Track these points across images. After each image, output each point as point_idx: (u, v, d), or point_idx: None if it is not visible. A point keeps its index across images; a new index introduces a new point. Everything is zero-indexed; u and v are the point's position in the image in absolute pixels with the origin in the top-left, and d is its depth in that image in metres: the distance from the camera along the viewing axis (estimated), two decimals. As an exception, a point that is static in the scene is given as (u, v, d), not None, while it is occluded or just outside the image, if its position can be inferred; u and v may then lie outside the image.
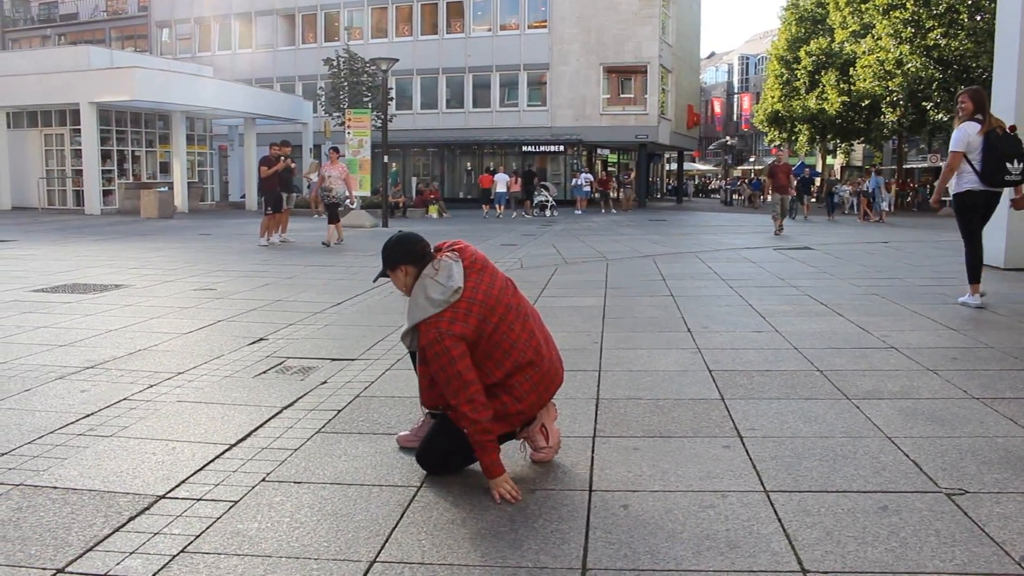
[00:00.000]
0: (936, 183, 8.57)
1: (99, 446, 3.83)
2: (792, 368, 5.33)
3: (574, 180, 34.71)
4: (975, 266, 7.83)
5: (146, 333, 6.64)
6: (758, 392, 4.77)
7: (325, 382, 5.06)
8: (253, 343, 6.26)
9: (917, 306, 7.81)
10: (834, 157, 53.42)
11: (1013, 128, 7.56)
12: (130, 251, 14.42)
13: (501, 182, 31.07)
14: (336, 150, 17.73)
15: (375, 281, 3.77)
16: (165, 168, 33.83)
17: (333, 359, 5.70)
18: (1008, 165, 7.28)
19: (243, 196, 37.87)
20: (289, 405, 4.55)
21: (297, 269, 11.65)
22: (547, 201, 31.69)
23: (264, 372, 5.32)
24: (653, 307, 7.90)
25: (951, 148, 7.68)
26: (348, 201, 17.24)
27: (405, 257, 3.47)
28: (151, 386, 4.94)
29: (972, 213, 7.75)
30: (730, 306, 7.95)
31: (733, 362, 5.54)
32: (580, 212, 32.87)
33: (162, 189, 29.03)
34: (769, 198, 24.02)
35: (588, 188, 34.94)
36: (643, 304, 8.12)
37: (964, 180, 7.60)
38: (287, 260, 13.00)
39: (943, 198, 8.22)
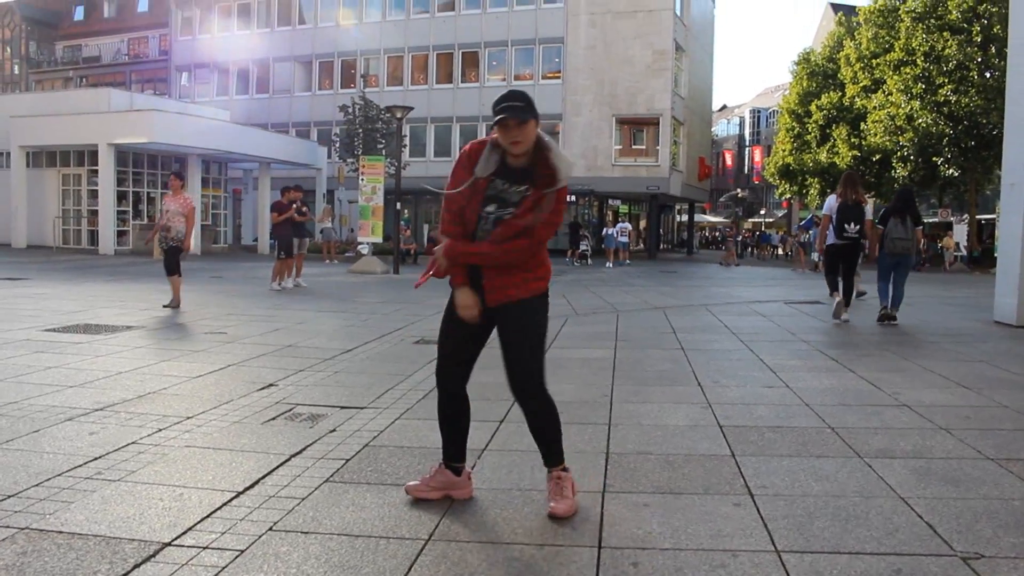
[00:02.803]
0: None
1: (106, 490, 3.82)
2: (803, 425, 5.30)
3: (606, 230, 32.68)
4: (834, 284, 11.14)
5: (156, 376, 6.65)
6: (769, 449, 4.74)
7: (334, 430, 5.04)
8: (263, 389, 6.26)
9: (928, 362, 7.76)
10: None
11: (861, 200, 11.00)
12: (142, 292, 14.51)
13: None
14: (179, 176, 13.06)
15: (497, 114, 3.45)
16: (180, 210, 34.10)
17: (343, 407, 5.68)
18: (846, 226, 10.70)
19: (255, 239, 38.15)
20: (298, 453, 4.53)
21: (308, 314, 11.67)
22: (588, 251, 32.04)
23: (273, 419, 5.31)
24: (664, 360, 7.88)
25: (823, 212, 11.52)
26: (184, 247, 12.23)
27: (536, 115, 3.55)
28: (160, 430, 4.93)
29: (832, 258, 11.19)
30: (741, 360, 7.92)
31: (744, 418, 5.50)
32: (611, 266, 30.04)
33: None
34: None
35: (625, 239, 32.93)
36: (654, 357, 8.10)
37: (829, 235, 11.15)
38: (298, 305, 13.03)
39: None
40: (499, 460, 4.52)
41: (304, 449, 4.61)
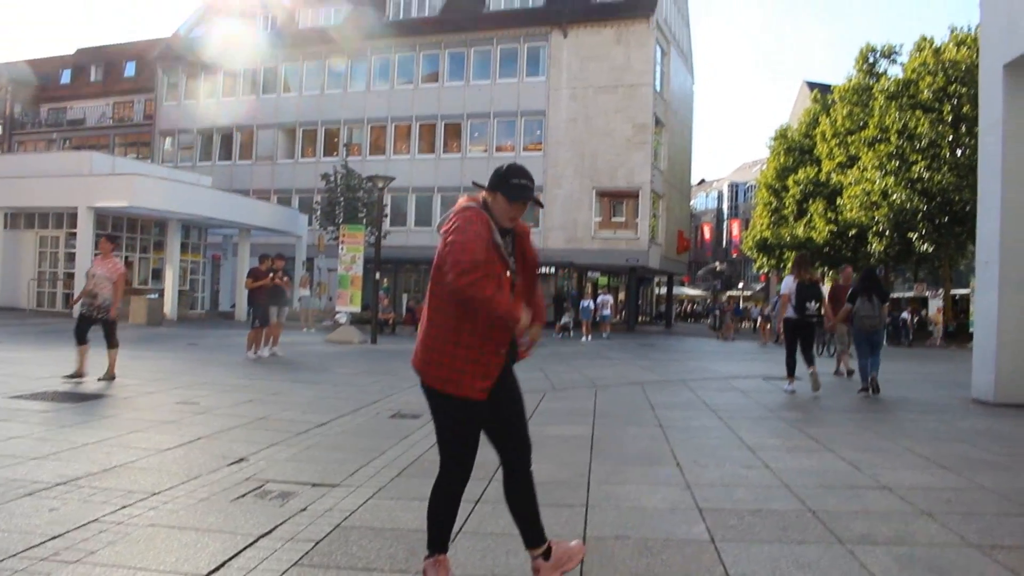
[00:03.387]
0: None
1: (62, 573, 3.67)
2: (784, 508, 5.21)
3: (584, 302, 30.87)
4: (791, 365, 12.06)
5: (123, 448, 6.49)
6: (749, 534, 4.64)
7: (305, 509, 4.91)
8: (233, 463, 6.11)
9: (908, 442, 7.72)
10: (821, 284, 53.91)
11: (816, 280, 12.39)
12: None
13: None
14: (110, 239, 11.97)
15: (516, 194, 3.65)
16: (157, 274, 33.97)
17: (314, 484, 5.55)
18: (807, 304, 11.83)
19: (233, 306, 37.93)
20: (266, 534, 4.39)
21: (283, 385, 11.52)
22: (570, 323, 31.87)
23: (242, 496, 5.17)
24: (642, 438, 7.79)
25: (780, 292, 12.75)
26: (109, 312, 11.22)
27: None
28: (124, 507, 4.78)
29: (792, 333, 12.09)
30: (720, 439, 7.85)
31: (723, 500, 5.41)
32: (587, 339, 28.70)
33: (152, 296, 29.05)
34: (830, 327, 14.85)
35: (608, 312, 32.01)
36: (632, 435, 8.01)
37: (788, 311, 12.07)
38: (273, 375, 12.87)
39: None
40: (474, 544, 4.39)
41: (273, 530, 4.47)
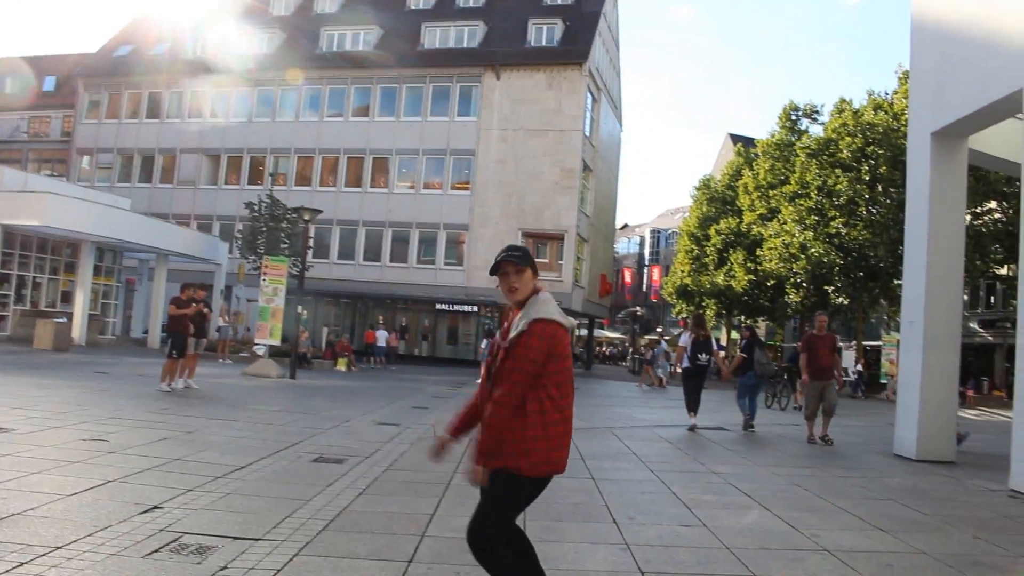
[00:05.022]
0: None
1: (-48, 645, 3.28)
2: (727, 572, 5.07)
3: (485, 341, 30.05)
4: (690, 404, 14.24)
5: (24, 492, 5.99)
6: (695, 603, 4.47)
7: (225, 567, 4.57)
8: (146, 511, 5.69)
9: (842, 501, 7.70)
10: (739, 332, 55.01)
11: (708, 336, 14.78)
12: (16, 387, 13.51)
13: (381, 337, 35.57)
14: None
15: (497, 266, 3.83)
16: (67, 297, 32.67)
17: (235, 537, 5.19)
18: (699, 356, 14.19)
19: (146, 332, 36.71)
20: (182, 598, 4.04)
21: (199, 422, 10.98)
22: None
23: (156, 551, 4.78)
24: (575, 492, 7.57)
25: (679, 345, 15.38)
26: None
27: (534, 266, 3.83)
28: (20, 564, 4.36)
29: (687, 379, 14.43)
30: (654, 493, 7.70)
31: (665, 562, 5.24)
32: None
33: (60, 319, 27.81)
34: (799, 389, 17.46)
35: None
36: (565, 487, 7.76)
37: (684, 362, 14.53)
38: (188, 410, 12.30)
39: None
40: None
41: (190, 593, 4.12)
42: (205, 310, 16.34)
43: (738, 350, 15.62)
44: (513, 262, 3.67)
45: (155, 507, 5.85)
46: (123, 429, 9.66)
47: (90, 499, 5.97)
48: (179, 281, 19.71)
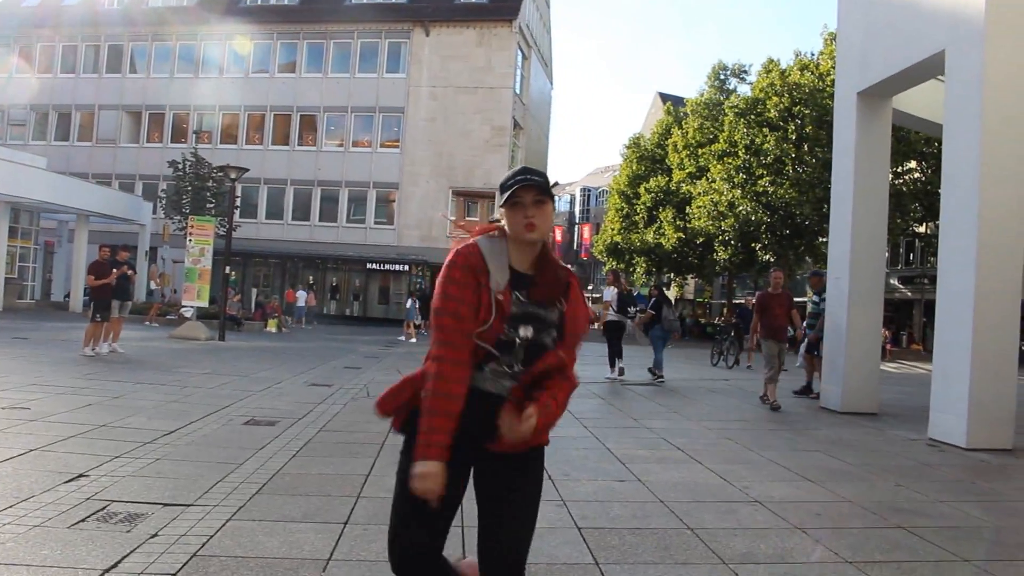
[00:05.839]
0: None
1: None
2: (662, 526, 5.14)
3: (411, 301, 29.01)
4: (612, 357, 15.15)
5: (-59, 462, 5.79)
6: (632, 555, 4.53)
7: (155, 535, 4.46)
8: (70, 480, 5.54)
9: (770, 453, 7.88)
10: (668, 289, 55.83)
11: (630, 290, 15.80)
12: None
13: (301, 298, 36.57)
14: None
15: (507, 190, 2.80)
16: (-19, 261, 31.53)
17: (165, 504, 5.08)
18: (627, 308, 15.50)
19: (67, 296, 35.69)
20: (111, 567, 3.94)
21: (126, 387, 10.72)
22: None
23: (83, 520, 4.65)
24: (511, 449, 7.61)
25: (604, 300, 15.79)
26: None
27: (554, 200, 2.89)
28: (-58, 536, 4.21)
29: (612, 332, 15.14)
30: (588, 449, 7.77)
31: (601, 518, 5.29)
32: (403, 339, 27.50)
33: (-26, 284, 26.88)
34: (752, 346, 15.55)
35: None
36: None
37: (610, 315, 15.21)
38: (114, 375, 12.00)
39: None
40: (349, 573, 4.08)
41: (120, 562, 4.02)
42: (129, 272, 15.91)
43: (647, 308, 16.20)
44: (534, 186, 2.77)
45: (80, 475, 5.69)
46: (45, 396, 9.38)
47: (10, 469, 5.78)
48: (101, 243, 19.16)
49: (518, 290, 2.77)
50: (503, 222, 2.87)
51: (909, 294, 45.54)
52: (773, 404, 11.63)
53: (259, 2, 45.26)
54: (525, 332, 2.74)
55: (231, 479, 5.84)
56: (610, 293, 15.56)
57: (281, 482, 5.85)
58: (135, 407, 8.98)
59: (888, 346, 35.64)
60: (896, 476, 7.05)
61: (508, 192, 2.78)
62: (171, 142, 43.81)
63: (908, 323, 45.80)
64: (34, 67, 46.47)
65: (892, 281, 44.55)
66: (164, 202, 36.45)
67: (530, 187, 2.76)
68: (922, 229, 38.10)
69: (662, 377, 15.03)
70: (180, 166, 35.36)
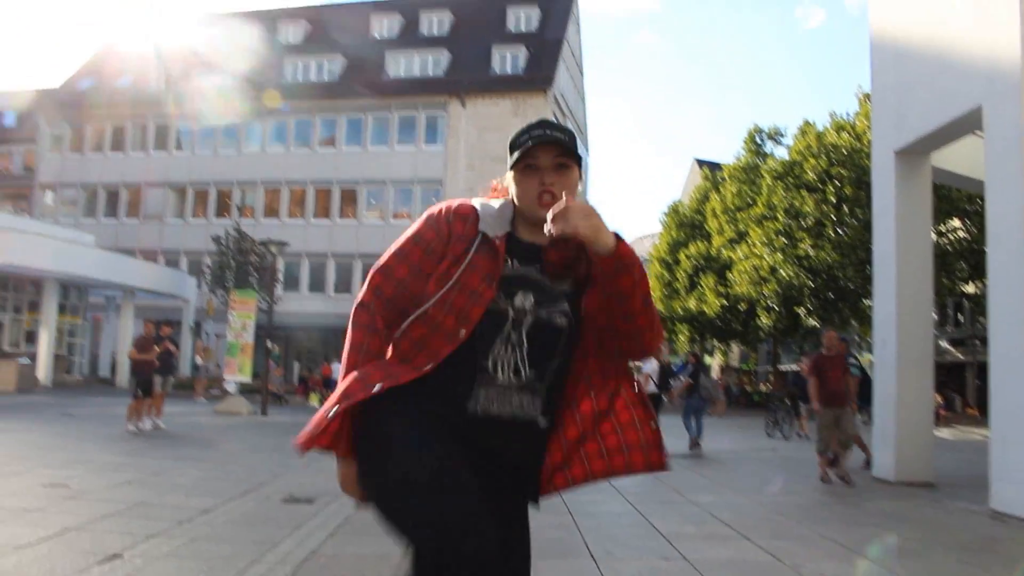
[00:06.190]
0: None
1: None
2: (708, 609, 4.92)
3: None
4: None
5: (-23, 545, 5.74)
6: (677, 642, 4.33)
7: (186, 620, 4.36)
8: (104, 561, 5.45)
9: (822, 527, 7.59)
10: (712, 357, 55.17)
11: (669, 363, 16.68)
12: (-23, 432, 13.16)
13: (336, 370, 34.62)
14: None
15: (519, 148, 2.23)
16: (31, 337, 32.10)
17: (198, 587, 4.98)
18: (669, 380, 15.59)
19: (113, 371, 36.14)
20: (140, 656, 3.83)
21: (166, 463, 10.71)
22: None
23: (114, 605, 4.56)
24: (552, 527, 7.38)
25: (644, 372, 14.74)
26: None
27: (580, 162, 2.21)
28: (-28, 624, 4.14)
29: (656, 406, 13.86)
30: (632, 526, 7.55)
31: (645, 599, 5.09)
32: None
33: (23, 360, 27.31)
34: (806, 416, 18.90)
35: None
36: (541, 523, 7.59)
37: (650, 387, 14.51)
38: (155, 451, 12.00)
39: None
40: None
41: (149, 650, 3.91)
42: (172, 348, 16.06)
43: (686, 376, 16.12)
44: (554, 144, 2.13)
45: (115, 556, 5.61)
46: (86, 473, 9.38)
47: (45, 551, 5.71)
48: (145, 318, 19.42)
49: (515, 257, 2.15)
50: (511, 192, 2.25)
51: (961, 356, 44.50)
52: (844, 478, 10.82)
53: (300, 79, 46.40)
54: (522, 301, 2.10)
55: (267, 559, 5.72)
56: (650, 365, 14.77)
57: (316, 563, 5.72)
58: (174, 484, 8.93)
59: (941, 411, 34.70)
60: (958, 551, 6.73)
61: (520, 150, 2.15)
62: (215, 217, 44.70)
63: (961, 387, 44.67)
64: (85, 147, 47.92)
65: (942, 343, 43.62)
66: (208, 277, 37.03)
67: (550, 145, 2.13)
68: (970, 288, 37.39)
69: (699, 445, 14.89)
70: (223, 241, 35.99)
